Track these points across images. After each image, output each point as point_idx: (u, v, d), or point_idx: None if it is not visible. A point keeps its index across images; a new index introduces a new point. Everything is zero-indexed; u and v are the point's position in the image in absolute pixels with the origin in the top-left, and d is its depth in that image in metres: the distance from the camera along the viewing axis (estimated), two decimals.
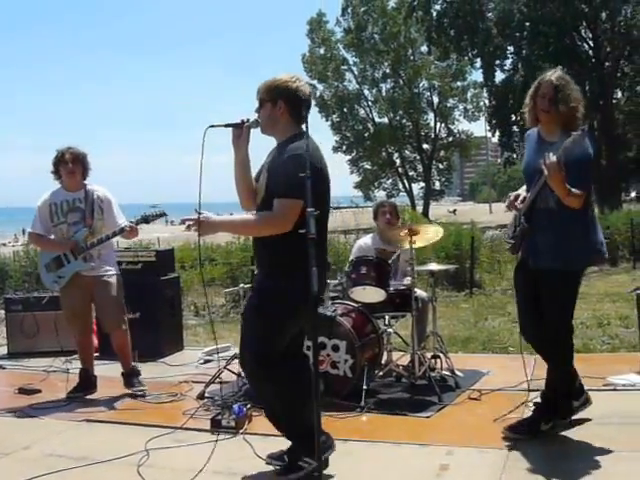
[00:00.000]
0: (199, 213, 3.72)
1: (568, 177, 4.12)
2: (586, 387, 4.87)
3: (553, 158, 4.07)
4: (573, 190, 4.16)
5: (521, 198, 4.58)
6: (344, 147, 56.41)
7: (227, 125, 3.93)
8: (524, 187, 4.66)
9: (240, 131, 3.98)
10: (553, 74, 4.47)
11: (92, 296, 5.97)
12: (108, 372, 6.41)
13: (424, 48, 48.38)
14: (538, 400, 4.78)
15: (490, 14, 39.03)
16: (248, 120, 3.96)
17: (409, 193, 56.37)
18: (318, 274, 3.27)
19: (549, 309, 4.46)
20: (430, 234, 6.39)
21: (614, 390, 5.46)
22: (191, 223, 3.76)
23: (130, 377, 6.04)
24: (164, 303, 7.64)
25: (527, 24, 38.23)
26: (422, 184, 57.67)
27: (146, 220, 5.93)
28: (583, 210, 4.31)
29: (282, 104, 3.85)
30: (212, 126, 3.84)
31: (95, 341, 7.04)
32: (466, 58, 43.87)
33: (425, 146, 56.09)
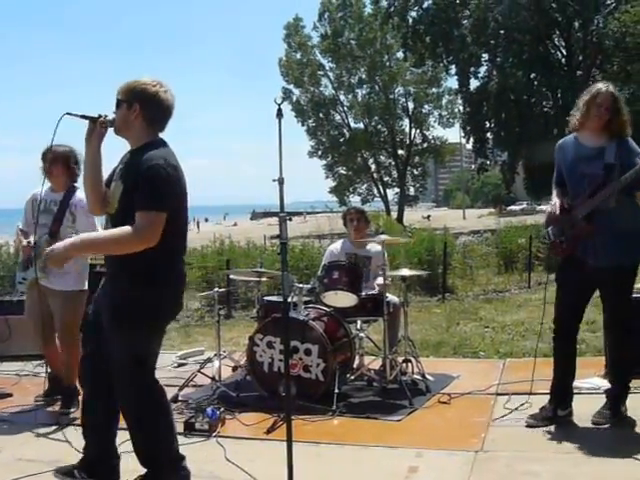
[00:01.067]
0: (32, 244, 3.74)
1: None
2: (545, 391, 5.14)
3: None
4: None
5: (558, 204, 4.87)
6: (319, 152, 56.54)
7: (83, 116, 3.74)
8: (555, 193, 4.98)
9: (94, 126, 3.78)
10: (609, 86, 4.81)
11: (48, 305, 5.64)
12: None
13: (400, 54, 48.68)
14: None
15: (465, 22, 39.31)
16: (106, 116, 3.78)
17: (384, 198, 56.53)
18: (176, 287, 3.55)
19: (615, 303, 4.84)
20: (399, 239, 6.55)
21: (578, 394, 5.56)
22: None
23: (65, 395, 5.69)
24: None
25: (501, 32, 38.58)
26: (397, 190, 57.91)
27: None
28: (636, 208, 4.67)
29: (137, 107, 3.70)
30: (68, 114, 3.65)
31: None
32: (441, 65, 44.20)
33: (400, 152, 56.28)
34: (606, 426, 4.79)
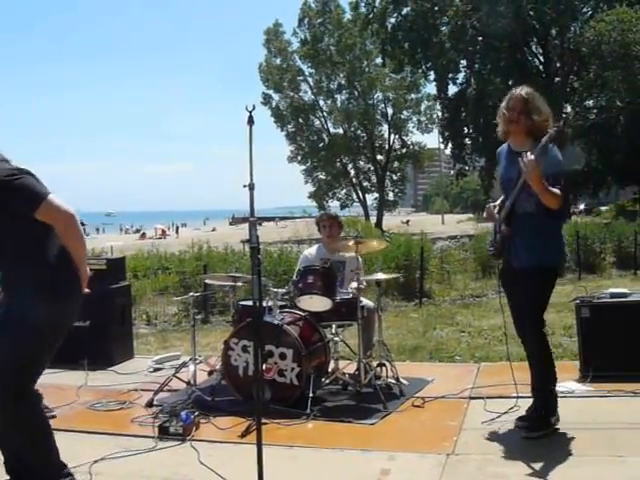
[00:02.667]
0: None
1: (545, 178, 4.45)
2: (526, 394, 5.12)
3: (531, 156, 4.39)
4: (551, 188, 4.47)
5: (498, 207, 4.92)
6: (299, 157, 56.61)
7: None
8: (501, 199, 4.98)
9: None
10: (522, 89, 4.84)
11: None
12: (58, 380, 6.40)
13: (379, 60, 48.85)
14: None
15: (444, 28, 39.55)
16: None
17: (363, 204, 56.63)
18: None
19: (526, 305, 4.77)
20: (374, 244, 6.58)
21: None
22: None
23: None
24: (114, 311, 7.62)
25: (480, 39, 38.84)
26: (376, 195, 58.01)
27: None
28: (557, 217, 4.71)
29: None
30: None
31: None
32: (420, 71, 44.42)
33: (379, 157, 56.46)
34: (577, 430, 4.82)
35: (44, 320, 3.56)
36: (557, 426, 4.81)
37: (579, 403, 5.49)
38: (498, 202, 4.98)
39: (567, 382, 5.91)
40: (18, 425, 3.66)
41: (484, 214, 5.13)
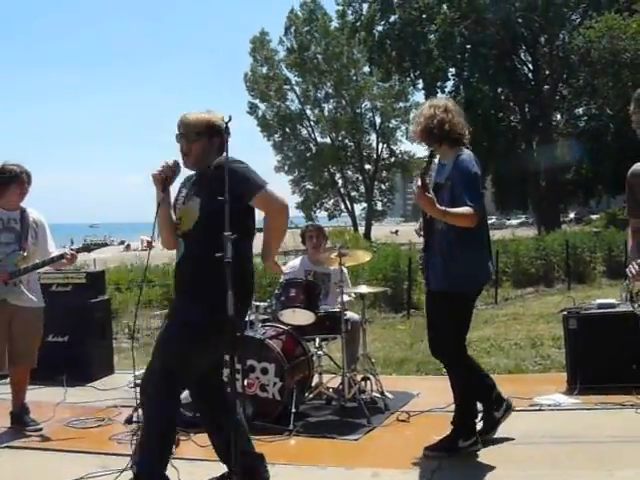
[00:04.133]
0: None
1: (454, 195, 4.34)
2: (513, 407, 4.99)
3: (418, 183, 4.22)
4: (451, 210, 4.28)
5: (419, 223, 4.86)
6: (286, 167, 56.53)
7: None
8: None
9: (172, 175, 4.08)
10: (432, 100, 4.88)
11: (10, 323, 5.55)
12: (35, 397, 6.25)
13: (366, 69, 48.90)
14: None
15: (431, 36, 39.61)
16: (176, 163, 4.06)
17: (351, 214, 56.58)
18: None
19: (437, 328, 4.66)
20: (359, 255, 6.49)
21: (539, 410, 5.55)
22: None
23: (22, 415, 5.66)
24: (94, 326, 7.50)
25: (468, 47, 38.92)
26: (364, 205, 58.02)
27: (88, 249, 5.61)
28: (473, 231, 4.41)
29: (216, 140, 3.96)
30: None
31: None
32: (408, 79, 44.46)
33: (367, 166, 56.44)
34: (564, 444, 4.74)
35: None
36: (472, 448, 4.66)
37: (566, 416, 5.44)
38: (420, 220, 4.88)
39: (554, 395, 5.88)
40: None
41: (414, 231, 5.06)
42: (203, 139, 3.91)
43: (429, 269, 4.65)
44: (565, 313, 6.25)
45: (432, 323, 4.75)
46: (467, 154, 4.54)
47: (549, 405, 5.64)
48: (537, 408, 5.59)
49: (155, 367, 3.94)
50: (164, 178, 4.00)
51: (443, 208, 4.26)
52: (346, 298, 6.23)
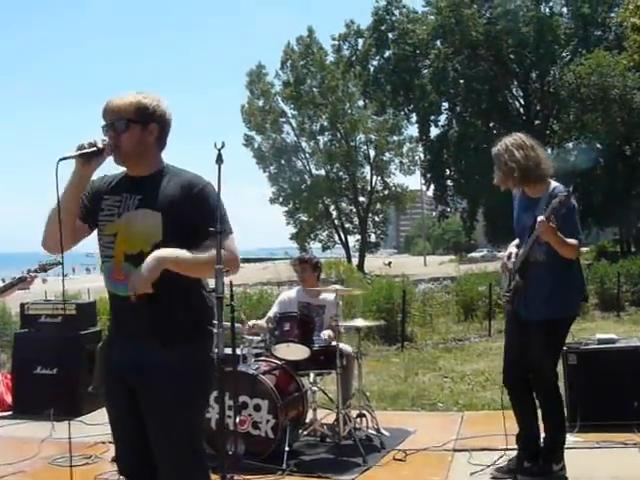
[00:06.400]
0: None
1: (560, 230, 4.40)
2: (511, 445, 4.94)
3: (542, 218, 4.33)
4: (568, 240, 4.44)
5: (514, 255, 4.83)
6: (281, 198, 56.49)
7: (82, 155, 2.99)
8: (514, 242, 4.94)
9: (93, 157, 3.03)
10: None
11: None
12: (19, 432, 6.09)
13: (361, 102, 49.17)
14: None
15: (425, 71, 40.05)
16: (104, 142, 3.06)
17: (345, 245, 56.51)
18: None
19: (540, 357, 4.65)
20: (354, 288, 6.39)
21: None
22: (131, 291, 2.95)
23: None
24: (84, 358, 7.30)
25: (461, 82, 39.33)
26: (358, 236, 57.92)
27: (44, 269, 5.56)
28: (570, 260, 4.59)
29: (155, 128, 3.18)
30: (63, 159, 2.93)
31: (8, 399, 6.73)
32: (402, 113, 44.83)
33: (361, 199, 56.42)
34: None
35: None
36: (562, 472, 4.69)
37: (566, 455, 5.23)
38: (512, 249, 4.90)
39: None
40: None
41: (499, 267, 5.06)
42: (135, 128, 3.09)
43: (525, 300, 4.68)
44: (565, 348, 6.12)
45: (528, 356, 4.72)
46: (561, 186, 4.67)
47: None
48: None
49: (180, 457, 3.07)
50: (96, 152, 3.01)
51: (562, 237, 4.40)
52: (329, 333, 6.15)
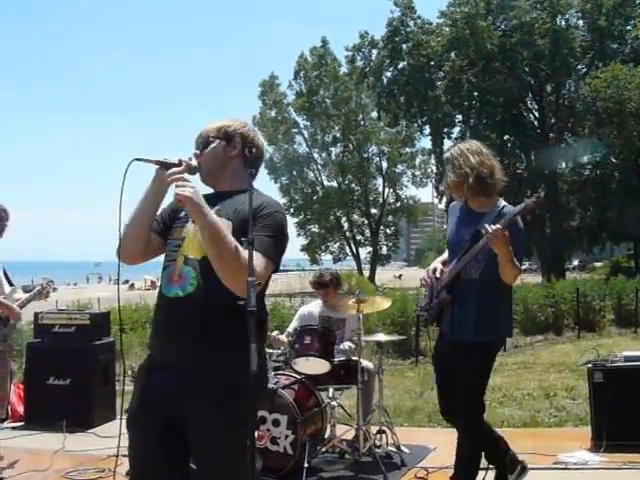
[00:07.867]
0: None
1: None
2: (536, 465, 4.83)
3: (498, 226, 4.00)
4: (514, 259, 4.13)
5: (438, 270, 4.55)
6: (292, 210, 56.41)
7: (158, 162, 3.03)
8: (440, 258, 4.70)
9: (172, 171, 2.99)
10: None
11: None
12: (33, 444, 5.98)
13: (374, 114, 49.11)
14: None
15: (439, 83, 39.94)
16: (190, 159, 3.10)
17: (356, 257, 56.37)
18: None
19: (462, 382, 4.34)
20: (377, 302, 6.23)
21: (565, 469, 5.27)
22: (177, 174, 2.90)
23: None
24: (97, 369, 7.21)
25: (475, 94, 39.21)
26: (369, 248, 57.77)
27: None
28: (504, 285, 4.28)
29: (239, 145, 3.22)
30: (138, 159, 2.98)
31: (20, 409, 6.62)
32: (415, 125, 44.72)
33: (373, 211, 56.32)
34: None
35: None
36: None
37: (592, 475, 5.17)
38: (437, 265, 4.63)
39: (579, 452, 5.61)
40: None
41: (421, 280, 4.78)
42: (217, 143, 3.16)
43: (451, 319, 4.38)
44: (590, 366, 5.98)
45: (450, 379, 4.42)
46: (510, 207, 4.33)
47: (574, 463, 5.36)
48: (562, 467, 5.31)
49: None
50: (174, 165, 3.01)
51: (512, 253, 4.09)
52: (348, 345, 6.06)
